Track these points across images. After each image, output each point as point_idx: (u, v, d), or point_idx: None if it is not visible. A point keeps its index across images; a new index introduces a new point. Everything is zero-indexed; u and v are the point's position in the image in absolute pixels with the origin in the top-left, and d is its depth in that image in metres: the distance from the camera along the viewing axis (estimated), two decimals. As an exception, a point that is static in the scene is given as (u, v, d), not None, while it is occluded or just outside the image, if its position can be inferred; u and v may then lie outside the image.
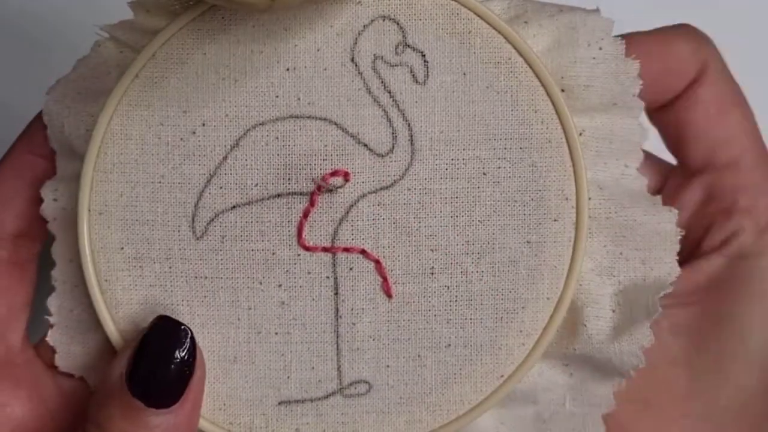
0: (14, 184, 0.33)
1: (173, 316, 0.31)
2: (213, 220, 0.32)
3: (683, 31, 0.35)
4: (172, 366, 0.30)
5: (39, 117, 0.33)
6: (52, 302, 0.33)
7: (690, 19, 0.35)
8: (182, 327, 0.30)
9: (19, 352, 0.33)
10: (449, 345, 0.32)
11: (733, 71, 0.36)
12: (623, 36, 0.32)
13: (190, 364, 0.30)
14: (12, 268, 0.33)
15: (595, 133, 0.32)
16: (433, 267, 0.32)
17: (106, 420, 0.30)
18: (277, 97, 0.32)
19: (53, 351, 0.33)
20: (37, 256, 0.34)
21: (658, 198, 0.33)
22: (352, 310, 0.32)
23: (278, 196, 0.32)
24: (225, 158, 0.32)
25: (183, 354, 0.30)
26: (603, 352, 0.32)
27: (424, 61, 0.31)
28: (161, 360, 0.30)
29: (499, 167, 0.32)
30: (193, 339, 0.30)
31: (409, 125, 0.32)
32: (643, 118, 0.33)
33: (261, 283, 0.32)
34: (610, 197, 0.32)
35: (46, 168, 0.33)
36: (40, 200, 0.33)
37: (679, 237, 0.32)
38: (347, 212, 0.32)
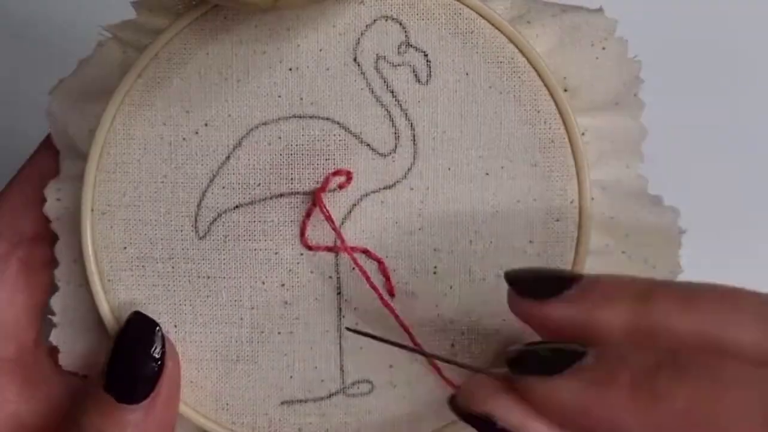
0: (35, 187, 0.33)
1: (176, 316, 0.31)
2: (216, 219, 0.32)
3: None
4: (141, 362, 0.30)
5: None
6: (56, 302, 0.33)
7: (688, 19, 0.35)
8: (152, 323, 0.31)
9: (30, 353, 0.33)
10: (452, 345, 0.32)
11: (733, 71, 0.36)
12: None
13: (159, 360, 0.30)
14: (28, 269, 0.33)
15: (597, 133, 0.32)
16: (436, 267, 0.32)
17: (82, 415, 0.30)
18: (279, 96, 0.32)
19: (57, 350, 0.33)
20: (52, 259, 0.34)
21: (660, 197, 0.33)
22: (355, 309, 0.32)
23: (281, 195, 0.32)
24: (228, 158, 0.32)
25: (152, 350, 0.30)
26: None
27: (427, 60, 0.31)
28: (130, 357, 0.30)
29: (502, 167, 0.32)
30: (162, 335, 0.31)
31: (411, 125, 0.32)
32: (644, 118, 0.33)
33: (264, 283, 0.32)
34: (613, 197, 0.32)
35: None
36: (44, 200, 0.33)
37: (682, 235, 0.32)
38: (350, 212, 0.32)
